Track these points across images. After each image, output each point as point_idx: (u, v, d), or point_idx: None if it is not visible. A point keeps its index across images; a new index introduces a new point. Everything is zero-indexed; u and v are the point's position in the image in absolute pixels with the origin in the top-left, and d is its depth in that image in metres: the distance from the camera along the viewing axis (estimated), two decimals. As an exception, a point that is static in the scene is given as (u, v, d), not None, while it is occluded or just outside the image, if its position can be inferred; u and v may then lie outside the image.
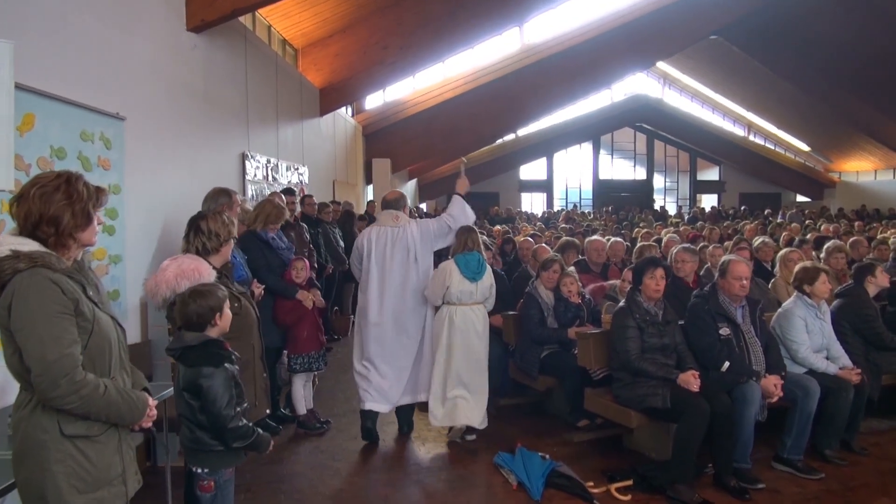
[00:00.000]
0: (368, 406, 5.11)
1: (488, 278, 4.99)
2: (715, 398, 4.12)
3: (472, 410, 4.90)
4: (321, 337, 5.49)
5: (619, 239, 7.78)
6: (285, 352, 5.42)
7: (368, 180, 15.68)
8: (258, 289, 4.70)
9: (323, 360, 5.49)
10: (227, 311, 2.98)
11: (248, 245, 5.14)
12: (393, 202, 5.21)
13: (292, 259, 5.47)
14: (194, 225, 3.59)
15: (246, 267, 4.77)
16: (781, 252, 6.32)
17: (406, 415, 5.33)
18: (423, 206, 24.26)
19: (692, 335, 4.49)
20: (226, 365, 2.85)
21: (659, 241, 8.52)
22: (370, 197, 15.19)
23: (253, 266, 5.03)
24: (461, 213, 5.20)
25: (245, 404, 2.98)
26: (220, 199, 4.62)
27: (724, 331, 4.44)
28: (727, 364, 4.33)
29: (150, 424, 2.42)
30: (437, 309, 5.05)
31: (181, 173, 5.54)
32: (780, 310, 4.92)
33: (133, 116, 4.69)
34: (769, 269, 6.80)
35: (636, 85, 26.31)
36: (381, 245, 5.06)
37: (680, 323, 4.57)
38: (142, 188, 4.85)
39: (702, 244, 7.88)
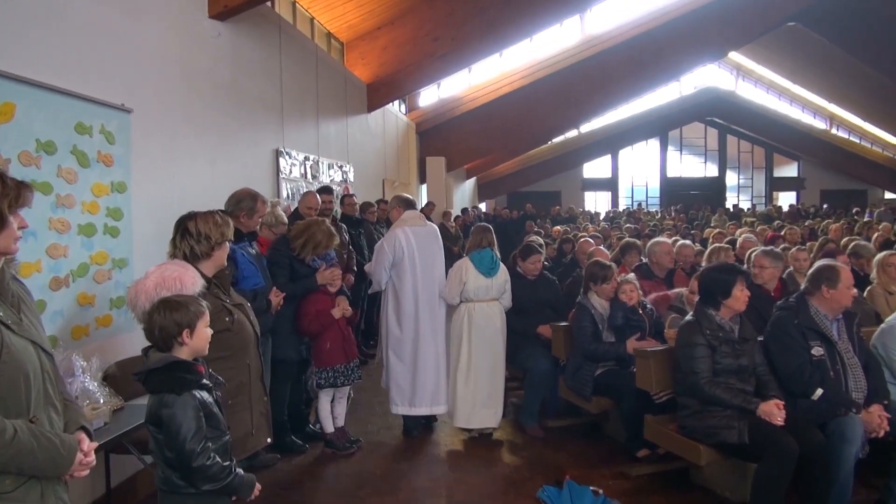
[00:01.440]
0: (402, 412, 5.16)
1: (503, 274, 5.05)
2: (805, 434, 3.42)
3: (492, 413, 5.00)
4: (350, 349, 4.99)
5: (687, 242, 6.98)
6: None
7: (422, 179, 15.24)
8: (277, 297, 4.24)
9: (354, 374, 4.97)
10: (203, 329, 2.49)
11: (277, 258, 4.68)
12: (414, 202, 5.37)
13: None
14: (181, 226, 3.12)
15: (265, 273, 4.31)
16: (879, 256, 5.43)
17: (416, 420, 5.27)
18: (483, 205, 23.77)
19: (776, 355, 3.78)
20: (194, 392, 2.38)
21: (733, 242, 7.67)
22: (424, 196, 14.76)
23: (273, 271, 4.58)
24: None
25: (226, 437, 2.51)
26: (242, 203, 4.18)
27: (817, 350, 3.73)
28: (820, 391, 3.63)
29: (84, 473, 1.95)
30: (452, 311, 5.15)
31: (200, 170, 5.16)
32: (883, 325, 4.10)
33: (142, 108, 4.31)
34: (862, 274, 5.89)
35: (707, 77, 25.06)
36: (421, 245, 5.09)
37: (759, 340, 3.86)
38: (152, 187, 4.48)
39: (782, 245, 7.02)
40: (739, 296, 3.70)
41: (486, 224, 5.25)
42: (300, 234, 4.75)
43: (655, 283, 5.72)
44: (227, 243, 3.19)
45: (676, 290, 5.19)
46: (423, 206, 12.10)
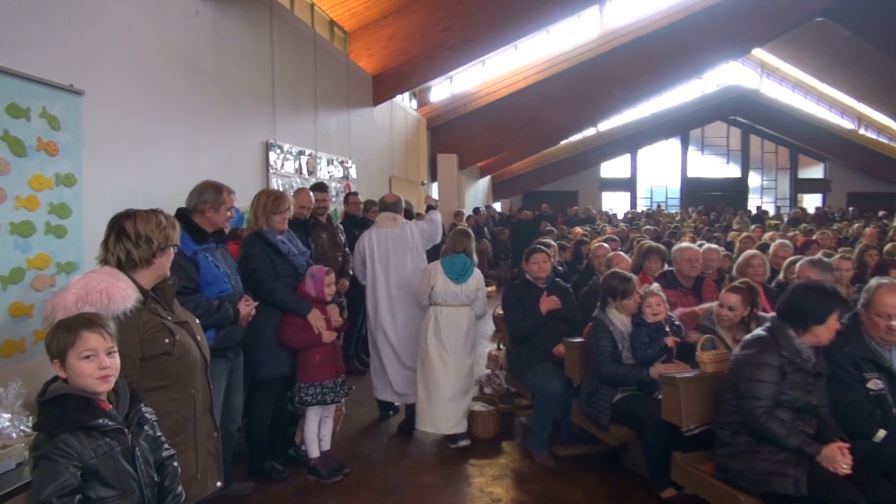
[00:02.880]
0: (380, 396, 5.38)
1: (474, 281, 4.95)
2: (869, 485, 2.79)
3: (455, 420, 4.85)
4: (339, 362, 4.45)
5: (714, 246, 6.35)
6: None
7: (434, 177, 14.68)
8: (247, 306, 3.68)
9: (343, 390, 4.44)
10: (76, 364, 1.96)
11: (251, 250, 4.15)
12: (391, 205, 5.41)
13: (309, 268, 4.44)
14: (116, 226, 2.54)
15: (235, 278, 3.74)
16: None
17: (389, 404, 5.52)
18: (498, 205, 23.16)
19: (829, 390, 3.16)
20: (80, 435, 1.87)
21: (763, 247, 7.02)
22: (435, 194, 14.21)
23: (257, 277, 4.08)
24: (435, 228, 5.54)
25: (132, 497, 1.96)
26: (204, 195, 3.60)
27: (875, 383, 3.15)
28: (883, 433, 3.04)
29: None
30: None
31: (175, 163, 4.62)
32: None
33: (97, 91, 3.78)
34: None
35: (730, 74, 24.19)
36: (382, 246, 5.25)
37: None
38: (110, 180, 3.94)
39: (819, 252, 6.35)
40: (832, 326, 3.09)
41: (465, 228, 5.29)
42: (251, 208, 4.28)
43: (682, 293, 5.10)
44: (172, 249, 2.62)
45: (705, 305, 4.54)
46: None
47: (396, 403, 5.48)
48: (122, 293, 2.34)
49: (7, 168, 3.17)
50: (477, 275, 5.00)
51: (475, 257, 5.06)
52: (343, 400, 4.55)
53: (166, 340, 2.44)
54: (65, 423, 1.84)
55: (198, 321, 2.75)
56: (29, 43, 3.37)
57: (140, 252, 2.50)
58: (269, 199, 4.25)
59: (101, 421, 1.90)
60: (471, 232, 5.23)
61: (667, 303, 4.15)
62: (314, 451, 4.42)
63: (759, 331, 3.25)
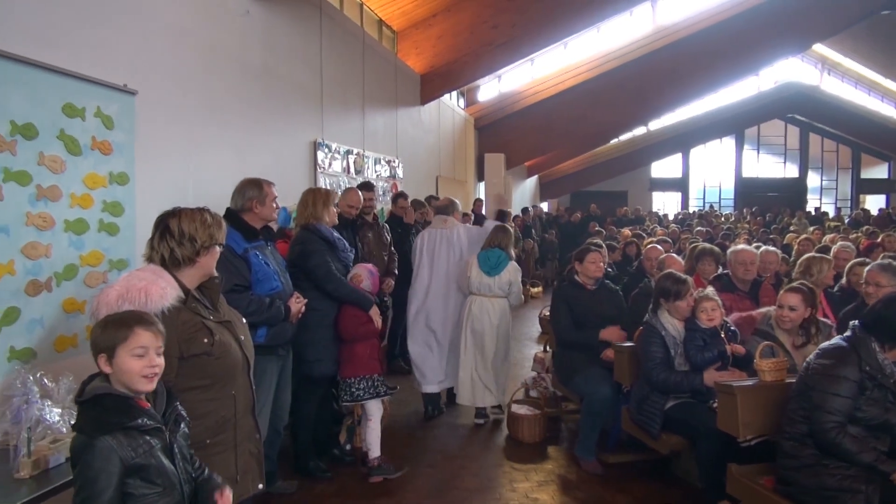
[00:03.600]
0: (424, 389, 5.70)
1: (507, 274, 5.37)
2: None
3: (490, 395, 5.42)
4: (382, 360, 4.52)
5: (772, 248, 6.11)
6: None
7: (480, 177, 14.59)
8: (298, 304, 3.68)
9: (387, 385, 4.45)
10: (126, 360, 1.97)
11: (310, 246, 4.16)
12: (443, 208, 5.91)
13: (362, 265, 4.52)
14: (162, 224, 2.55)
15: (284, 275, 3.75)
16: None
17: (433, 400, 5.78)
18: (545, 205, 22.94)
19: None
20: (120, 436, 1.87)
21: (824, 249, 6.72)
22: (482, 194, 14.13)
23: (320, 272, 4.12)
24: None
25: (174, 495, 1.99)
26: (247, 192, 3.62)
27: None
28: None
29: None
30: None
31: (225, 162, 4.67)
32: None
33: (150, 90, 3.83)
34: None
35: (788, 71, 23.36)
36: (431, 244, 5.76)
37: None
38: (162, 179, 4.00)
39: (884, 257, 6.04)
40: None
41: (504, 225, 5.79)
42: (302, 209, 4.31)
43: (738, 296, 4.92)
44: (217, 248, 2.61)
45: (762, 309, 4.34)
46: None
47: (437, 391, 5.75)
48: (160, 292, 2.33)
49: (63, 166, 3.23)
50: (511, 268, 5.40)
51: (512, 252, 5.54)
52: (390, 394, 4.54)
53: (205, 340, 2.43)
54: (105, 426, 1.84)
55: (244, 320, 2.74)
56: (84, 43, 3.43)
57: (183, 250, 2.48)
58: (323, 193, 4.30)
59: (140, 420, 1.90)
60: (509, 228, 5.72)
61: (722, 307, 3.98)
62: (377, 450, 4.37)
63: (838, 340, 3.06)
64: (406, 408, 5.80)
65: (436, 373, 5.65)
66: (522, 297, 5.73)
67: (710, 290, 4.07)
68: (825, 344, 3.12)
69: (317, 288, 4.12)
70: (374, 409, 4.37)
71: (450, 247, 5.72)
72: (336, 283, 4.17)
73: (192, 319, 2.42)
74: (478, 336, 5.37)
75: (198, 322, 2.44)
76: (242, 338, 2.62)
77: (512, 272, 5.40)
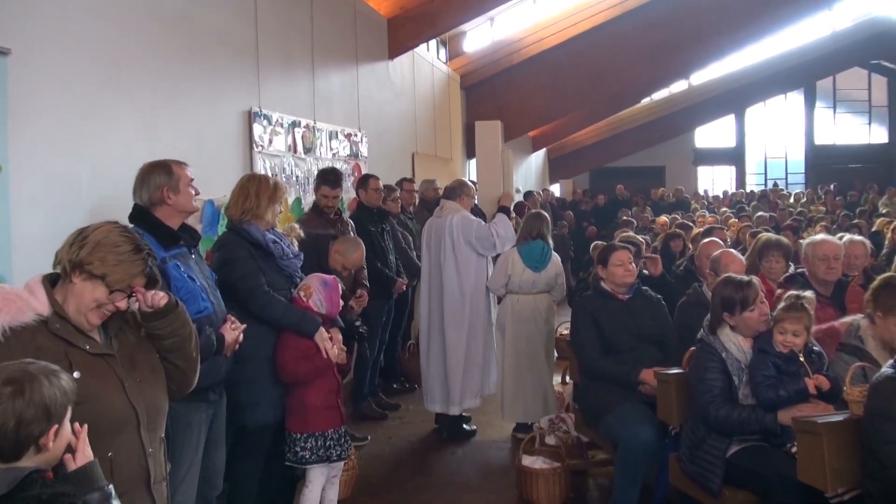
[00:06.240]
0: (429, 407, 6.55)
1: (553, 267, 6.17)
2: None
3: (539, 408, 6.09)
4: (342, 406, 4.56)
5: (858, 238, 6.20)
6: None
7: (471, 153, 14.73)
8: (234, 331, 3.69)
9: (348, 444, 4.57)
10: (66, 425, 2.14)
11: (232, 253, 4.20)
12: (449, 191, 6.50)
13: (315, 276, 4.53)
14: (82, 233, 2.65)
15: (214, 293, 3.76)
16: None
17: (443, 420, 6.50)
18: (557, 187, 23.15)
19: None
20: None
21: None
22: (473, 175, 14.24)
23: (244, 286, 4.14)
24: (506, 232, 6.29)
25: None
26: (152, 179, 3.63)
27: None
28: None
29: None
30: (500, 300, 6.52)
31: (130, 141, 4.71)
32: None
33: (27, 49, 3.84)
34: None
35: (869, 4, 23.74)
36: (427, 236, 6.44)
37: None
38: (46, 164, 4.01)
39: None
40: None
41: (539, 211, 6.48)
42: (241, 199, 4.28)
43: (819, 304, 4.97)
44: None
45: (847, 318, 4.41)
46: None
47: (455, 411, 6.37)
48: (26, 307, 2.44)
49: None
50: (555, 260, 6.29)
51: (551, 241, 6.30)
52: (351, 455, 4.59)
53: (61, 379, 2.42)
54: None
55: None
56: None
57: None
58: (270, 186, 4.31)
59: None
60: (544, 214, 6.40)
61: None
62: None
63: None
64: (413, 426, 6.73)
65: (440, 392, 6.39)
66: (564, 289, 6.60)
67: (808, 295, 4.06)
68: (883, 375, 3.18)
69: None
70: (317, 476, 4.44)
71: (441, 241, 6.28)
72: (264, 302, 4.15)
73: (52, 346, 2.43)
74: (527, 340, 6.12)
75: (59, 350, 2.44)
76: (138, 379, 2.59)
77: (557, 264, 6.30)
